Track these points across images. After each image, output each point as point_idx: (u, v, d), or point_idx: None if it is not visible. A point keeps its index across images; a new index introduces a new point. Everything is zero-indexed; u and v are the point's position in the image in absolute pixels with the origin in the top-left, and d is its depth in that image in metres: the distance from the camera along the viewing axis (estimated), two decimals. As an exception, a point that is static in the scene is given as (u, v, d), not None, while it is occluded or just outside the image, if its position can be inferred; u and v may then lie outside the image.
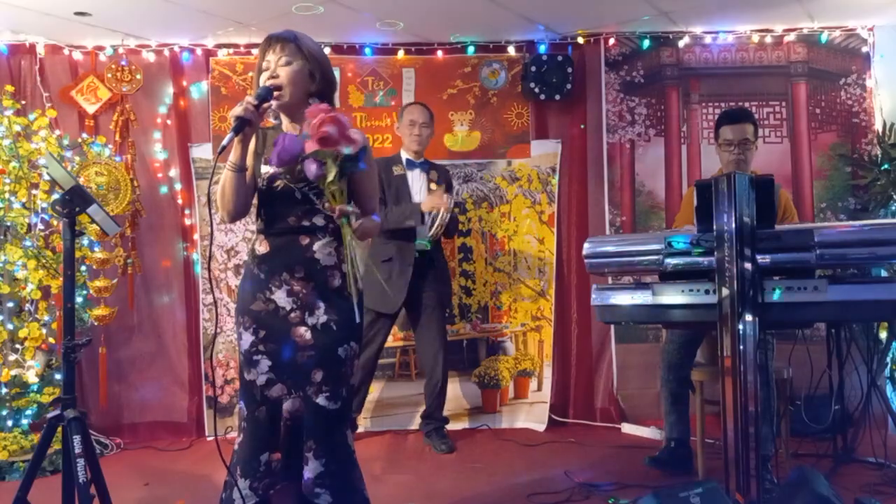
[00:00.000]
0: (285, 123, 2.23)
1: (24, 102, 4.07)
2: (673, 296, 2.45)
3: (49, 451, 2.73)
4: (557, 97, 4.35)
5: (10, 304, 3.75)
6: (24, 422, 3.71)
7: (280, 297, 2.16)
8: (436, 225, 3.74)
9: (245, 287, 2.22)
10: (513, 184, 4.44)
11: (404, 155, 3.94)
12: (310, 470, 2.13)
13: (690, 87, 4.46)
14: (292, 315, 2.16)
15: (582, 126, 4.47)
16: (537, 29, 4.31)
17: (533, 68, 4.31)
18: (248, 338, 2.18)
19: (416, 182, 3.91)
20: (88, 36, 4.17)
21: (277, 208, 2.18)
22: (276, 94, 2.13)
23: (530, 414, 4.37)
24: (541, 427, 4.26)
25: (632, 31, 4.41)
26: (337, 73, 4.32)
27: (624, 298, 2.56)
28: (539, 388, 4.41)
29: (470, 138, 4.43)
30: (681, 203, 3.73)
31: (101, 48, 4.28)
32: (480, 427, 4.30)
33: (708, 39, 4.42)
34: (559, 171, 4.44)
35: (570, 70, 4.33)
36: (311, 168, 2.02)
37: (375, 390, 4.28)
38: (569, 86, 4.34)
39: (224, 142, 2.02)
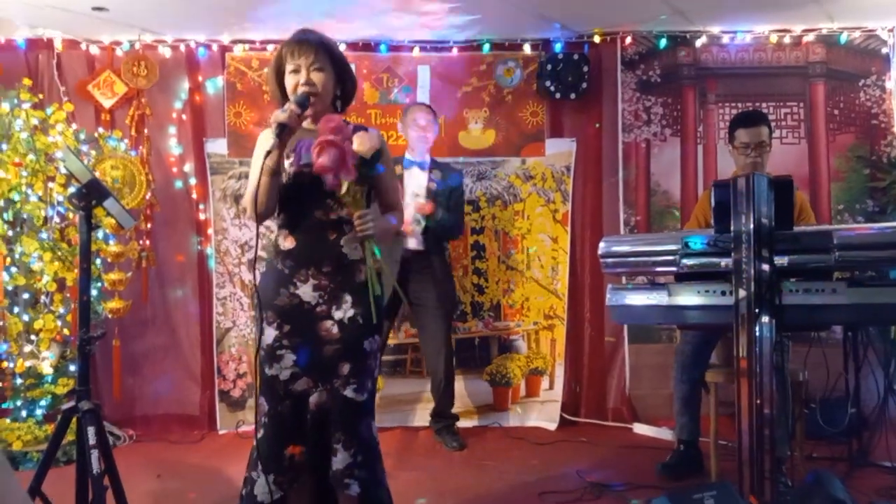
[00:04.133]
0: (306, 123, 2.24)
1: (41, 96, 4.09)
2: (689, 297, 2.44)
3: (63, 441, 2.74)
4: (573, 96, 4.33)
5: (26, 296, 3.78)
6: (39, 412, 3.74)
7: (305, 292, 2.17)
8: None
9: (267, 282, 2.23)
10: (527, 182, 4.42)
11: (407, 155, 3.92)
12: (339, 461, 2.16)
13: (707, 87, 4.43)
14: (318, 309, 2.17)
15: (597, 125, 4.44)
16: (553, 27, 4.29)
17: (548, 67, 4.29)
18: (271, 333, 2.19)
19: (414, 181, 3.88)
20: (105, 31, 4.19)
21: (304, 204, 2.19)
22: (311, 100, 2.16)
23: (542, 412, 4.35)
24: (552, 426, 4.25)
25: (648, 31, 4.38)
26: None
27: (639, 299, 2.55)
28: (551, 387, 4.40)
29: (484, 136, 4.42)
30: (695, 207, 3.69)
31: (117, 43, 4.30)
32: (491, 425, 4.29)
33: (725, 39, 4.39)
34: (574, 170, 4.42)
35: (585, 69, 4.31)
36: (328, 179, 2.08)
37: (386, 386, 4.29)
38: (584, 84, 4.32)
39: (269, 147, 2.06)
